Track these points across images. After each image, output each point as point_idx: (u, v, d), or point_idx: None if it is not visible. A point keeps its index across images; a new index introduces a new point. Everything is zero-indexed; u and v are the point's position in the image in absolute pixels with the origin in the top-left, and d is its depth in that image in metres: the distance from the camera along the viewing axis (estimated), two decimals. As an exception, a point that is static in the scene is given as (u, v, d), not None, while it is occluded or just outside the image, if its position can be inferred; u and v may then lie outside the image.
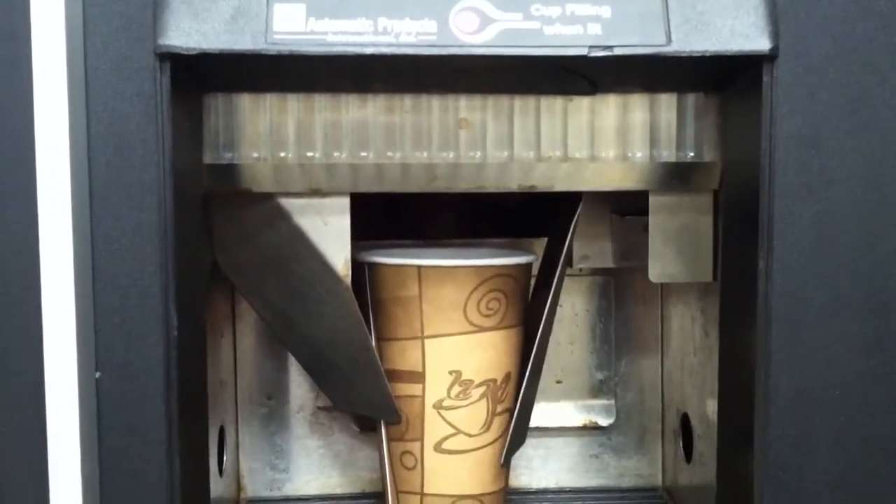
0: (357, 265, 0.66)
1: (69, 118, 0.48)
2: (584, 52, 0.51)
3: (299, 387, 0.78)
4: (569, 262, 0.73)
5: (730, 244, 0.59)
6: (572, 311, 0.79)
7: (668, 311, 0.78)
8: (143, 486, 0.51)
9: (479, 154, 0.59)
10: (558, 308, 0.76)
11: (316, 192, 0.60)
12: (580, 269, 0.77)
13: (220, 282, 0.69)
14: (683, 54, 0.51)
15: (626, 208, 0.73)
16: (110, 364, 0.50)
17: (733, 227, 0.58)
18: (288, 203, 0.61)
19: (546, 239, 0.74)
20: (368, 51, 0.50)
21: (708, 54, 0.51)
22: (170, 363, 0.51)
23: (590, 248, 0.74)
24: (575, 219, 0.65)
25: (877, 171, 0.52)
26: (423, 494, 0.67)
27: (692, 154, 0.60)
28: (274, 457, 0.78)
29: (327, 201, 0.61)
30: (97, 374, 0.50)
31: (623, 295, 0.79)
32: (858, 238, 0.52)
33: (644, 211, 0.64)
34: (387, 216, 0.74)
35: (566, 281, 0.76)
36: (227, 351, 0.75)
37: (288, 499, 0.78)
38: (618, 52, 0.51)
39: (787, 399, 0.52)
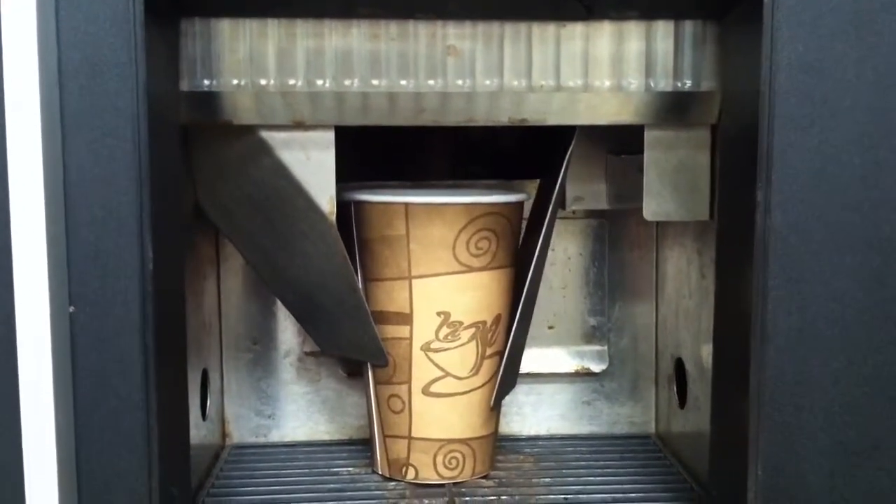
0: (343, 204, 0.64)
1: (38, 43, 0.46)
2: (577, -31, 0.49)
3: (286, 332, 0.77)
4: (561, 202, 0.71)
5: (728, 180, 0.57)
6: (565, 255, 0.77)
7: (663, 254, 0.77)
8: (120, 424, 0.49)
9: (467, 82, 0.57)
10: (551, 252, 0.74)
11: (299, 125, 0.58)
12: (573, 212, 0.75)
13: (204, 223, 0.67)
14: (682, -28, 0.49)
15: (621, 147, 0.71)
16: (84, 298, 0.49)
17: (732, 161, 0.56)
18: (270, 137, 0.59)
19: (538, 181, 0.72)
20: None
21: (707, -27, 0.49)
22: (146, 298, 0.49)
23: (584, 189, 0.72)
24: (568, 154, 0.63)
25: (882, 100, 0.49)
26: (410, 438, 0.66)
27: (689, 83, 0.58)
28: (260, 403, 0.77)
29: (312, 135, 0.59)
30: (71, 309, 0.49)
31: (617, 238, 0.77)
32: (862, 170, 0.50)
33: (640, 150, 0.62)
34: (374, 157, 0.72)
35: (559, 224, 0.75)
36: (212, 294, 0.74)
37: (274, 445, 0.77)
38: (613, -32, 0.49)
39: (785, 338, 0.51)
